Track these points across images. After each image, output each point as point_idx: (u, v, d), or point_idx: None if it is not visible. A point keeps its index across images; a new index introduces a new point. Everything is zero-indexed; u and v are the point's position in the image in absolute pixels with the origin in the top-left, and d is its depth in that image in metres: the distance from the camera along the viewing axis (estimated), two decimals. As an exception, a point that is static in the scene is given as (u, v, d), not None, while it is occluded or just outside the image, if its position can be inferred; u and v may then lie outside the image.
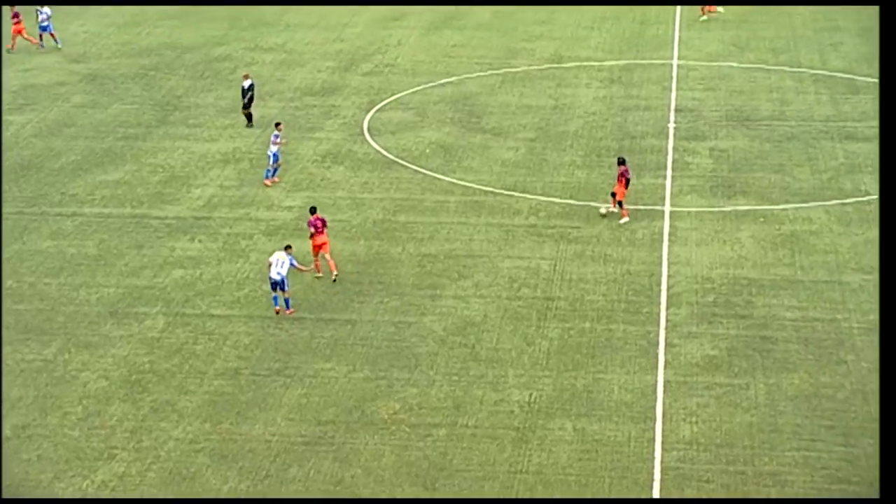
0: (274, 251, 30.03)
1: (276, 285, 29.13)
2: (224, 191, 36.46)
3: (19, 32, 49.30)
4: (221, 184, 36.97)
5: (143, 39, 51.66)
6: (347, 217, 34.67)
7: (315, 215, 31.05)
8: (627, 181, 33.88)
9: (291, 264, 29.21)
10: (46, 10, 49.72)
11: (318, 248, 30.93)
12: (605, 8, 56.09)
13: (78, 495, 23.11)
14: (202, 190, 36.49)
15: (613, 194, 34.22)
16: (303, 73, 47.27)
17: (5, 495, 23.25)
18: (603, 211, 34.33)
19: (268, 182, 36.81)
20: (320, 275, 31.11)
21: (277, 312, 29.34)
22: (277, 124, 37.73)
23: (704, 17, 53.54)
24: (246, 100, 40.77)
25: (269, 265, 29.20)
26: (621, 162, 34.08)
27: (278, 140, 36.90)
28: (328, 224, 31.43)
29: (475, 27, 53.42)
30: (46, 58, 49.00)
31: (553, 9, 56.03)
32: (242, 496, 23.12)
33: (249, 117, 41.10)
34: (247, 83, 40.89)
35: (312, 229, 30.90)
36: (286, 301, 29.36)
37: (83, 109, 43.38)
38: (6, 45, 49.57)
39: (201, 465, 23.93)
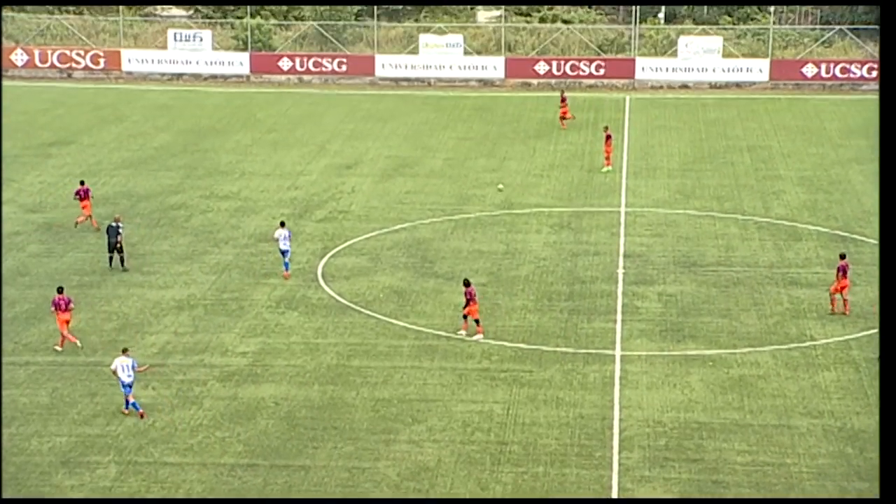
0: (116, 359, 31.47)
1: (129, 388, 31.18)
2: (178, 337, 36.58)
3: None
4: (176, 330, 37.10)
5: (98, 189, 52.12)
6: (301, 362, 34.84)
7: (60, 295, 35.17)
8: (468, 301, 35.93)
9: (133, 367, 31.24)
10: None
11: (63, 324, 35.13)
12: (555, 156, 57.47)
13: None
14: (156, 337, 36.58)
15: (465, 316, 36.19)
16: (258, 220, 47.85)
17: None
18: (463, 334, 36.32)
19: (287, 274, 41.30)
20: (60, 349, 35.29)
21: (143, 416, 31.19)
22: (283, 223, 42.06)
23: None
24: (116, 241, 42.09)
25: (115, 372, 31.19)
26: (467, 284, 36.06)
27: (290, 236, 41.63)
28: (71, 303, 35.33)
29: (427, 175, 54.47)
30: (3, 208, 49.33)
31: (504, 157, 57.33)
32: None
33: (122, 259, 42.29)
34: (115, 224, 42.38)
35: (54, 308, 35.07)
36: (135, 404, 31.34)
37: (38, 258, 43.55)
38: None
39: None
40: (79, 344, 35.36)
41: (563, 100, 63.40)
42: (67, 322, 35.47)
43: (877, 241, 44.37)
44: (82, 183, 46.74)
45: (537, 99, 71.23)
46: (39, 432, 30.78)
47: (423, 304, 39.13)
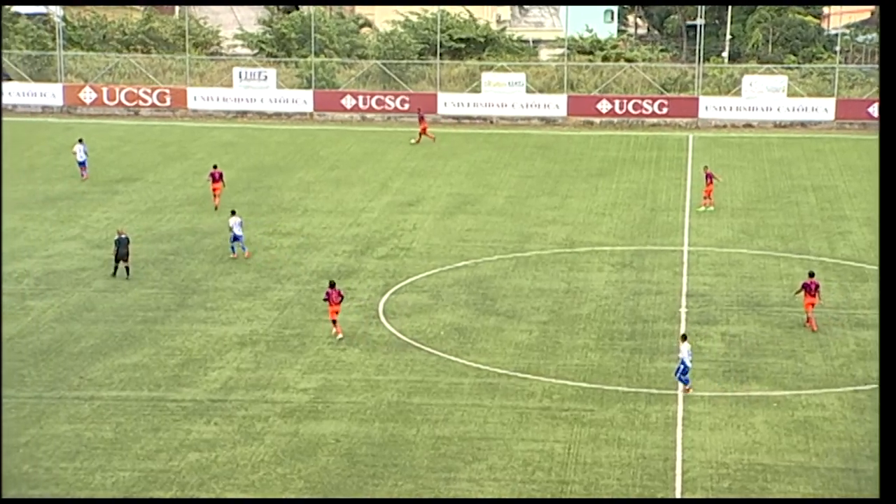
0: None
1: None
2: (241, 373, 36.80)
3: None
4: (238, 366, 37.34)
5: (163, 225, 52.76)
6: (362, 399, 34.88)
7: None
8: (327, 299, 39.02)
9: None
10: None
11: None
12: (617, 194, 57.30)
13: None
14: (219, 372, 36.83)
15: (334, 322, 39.20)
16: (320, 257, 48.11)
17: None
18: (340, 336, 39.18)
19: (234, 255, 47.28)
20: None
21: None
22: (234, 212, 48.00)
23: (702, 209, 54.45)
24: (126, 252, 45.24)
25: None
26: (332, 285, 39.17)
27: (242, 223, 47.44)
28: None
29: (489, 212, 54.51)
30: (68, 244, 50.02)
31: (565, 195, 57.28)
32: None
33: (127, 269, 45.42)
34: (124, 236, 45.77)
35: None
36: None
37: (104, 294, 44.05)
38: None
39: None
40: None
41: (422, 118, 69.26)
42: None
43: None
44: (215, 167, 54.77)
45: (599, 137, 71.16)
46: (103, 467, 31.04)
47: (484, 342, 39.07)
